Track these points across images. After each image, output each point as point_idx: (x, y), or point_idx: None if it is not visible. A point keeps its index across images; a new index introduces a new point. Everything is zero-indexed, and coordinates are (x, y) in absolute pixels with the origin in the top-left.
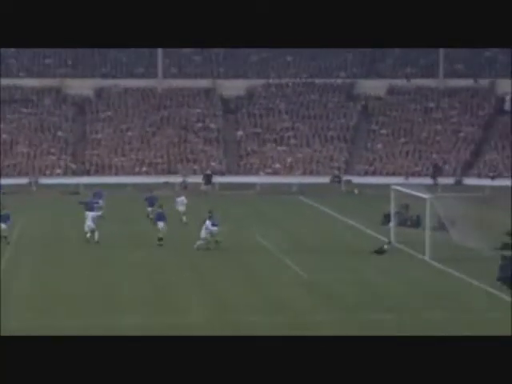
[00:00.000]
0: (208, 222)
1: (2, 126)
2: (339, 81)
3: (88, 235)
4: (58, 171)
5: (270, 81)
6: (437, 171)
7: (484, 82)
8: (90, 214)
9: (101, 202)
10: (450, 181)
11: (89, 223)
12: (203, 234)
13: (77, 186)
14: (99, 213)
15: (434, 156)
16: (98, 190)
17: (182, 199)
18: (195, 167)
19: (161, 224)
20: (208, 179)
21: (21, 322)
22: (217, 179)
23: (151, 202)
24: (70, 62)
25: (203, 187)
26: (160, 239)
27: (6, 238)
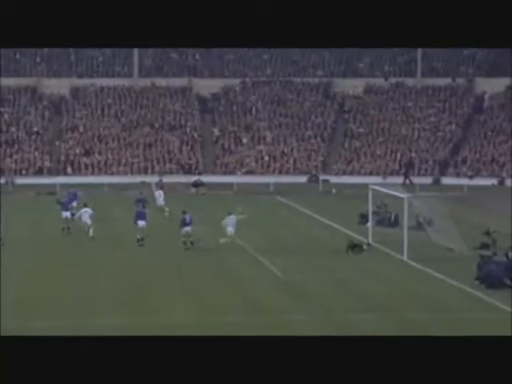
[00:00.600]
0: (231, 217)
1: None
2: (316, 80)
3: (88, 231)
4: (34, 171)
5: (247, 79)
6: (409, 169)
7: (462, 81)
8: (66, 214)
9: (74, 203)
10: (428, 180)
11: (85, 220)
12: (231, 230)
13: (53, 185)
14: (73, 211)
15: (413, 155)
16: (72, 191)
17: (160, 192)
18: (172, 166)
19: (141, 223)
20: (197, 184)
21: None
22: (193, 179)
23: (142, 204)
24: (45, 62)
25: (193, 190)
26: (140, 239)
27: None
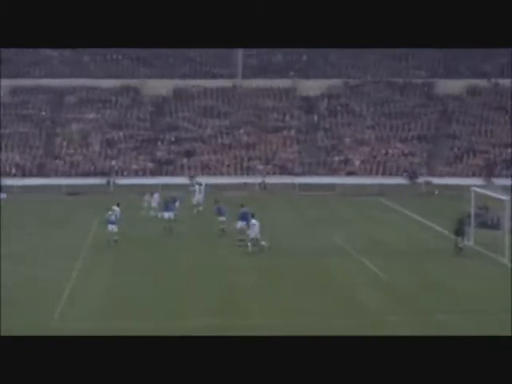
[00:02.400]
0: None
1: (80, 124)
2: (419, 80)
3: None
4: (137, 170)
5: (350, 80)
6: (413, 175)
7: None
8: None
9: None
10: None
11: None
12: (254, 232)
13: (155, 186)
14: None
15: None
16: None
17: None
18: (274, 168)
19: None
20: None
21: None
22: (296, 180)
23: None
24: (147, 63)
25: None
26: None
27: None
